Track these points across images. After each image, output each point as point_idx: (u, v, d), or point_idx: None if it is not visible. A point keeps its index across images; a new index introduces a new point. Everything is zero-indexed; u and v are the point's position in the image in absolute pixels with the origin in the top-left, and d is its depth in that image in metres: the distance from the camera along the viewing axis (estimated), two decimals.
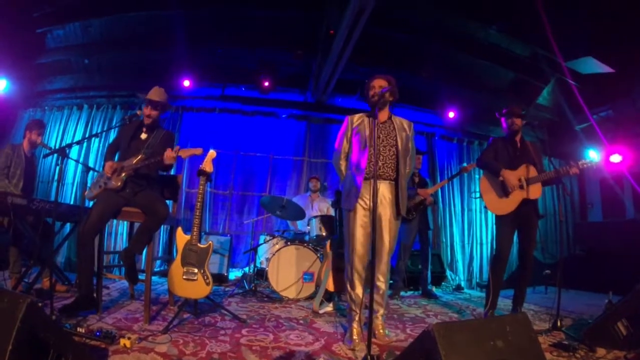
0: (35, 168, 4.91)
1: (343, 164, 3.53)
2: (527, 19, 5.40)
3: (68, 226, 5.07)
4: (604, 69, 5.98)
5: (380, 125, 3.38)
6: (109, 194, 3.59)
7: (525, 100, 6.93)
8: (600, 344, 3.10)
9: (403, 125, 3.48)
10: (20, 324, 1.81)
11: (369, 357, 2.37)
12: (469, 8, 5.63)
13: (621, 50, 5.53)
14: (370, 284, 2.79)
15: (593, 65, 5.99)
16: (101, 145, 6.80)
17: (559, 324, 3.51)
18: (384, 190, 3.32)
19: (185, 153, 3.55)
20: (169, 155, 3.49)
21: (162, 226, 5.14)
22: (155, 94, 3.84)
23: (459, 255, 7.56)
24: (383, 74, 3.43)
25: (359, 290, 3.32)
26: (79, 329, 2.81)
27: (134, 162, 3.64)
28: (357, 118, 3.51)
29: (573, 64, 6.04)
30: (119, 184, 3.59)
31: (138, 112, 3.95)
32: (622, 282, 4.68)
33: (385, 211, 3.32)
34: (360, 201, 3.28)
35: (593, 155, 6.89)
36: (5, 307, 1.91)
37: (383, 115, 3.44)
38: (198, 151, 3.57)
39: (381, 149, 3.31)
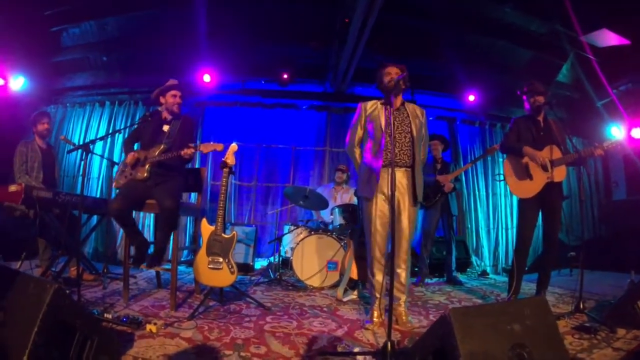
0: (53, 159, 5.04)
1: (357, 152, 3.56)
2: None
3: (95, 218, 5.19)
4: (620, 41, 5.76)
5: (395, 113, 3.36)
6: (135, 183, 3.72)
7: (544, 78, 6.70)
8: (621, 324, 3.06)
9: (416, 112, 3.46)
10: (46, 308, 1.88)
11: (389, 342, 2.35)
12: None
13: (636, 20, 5.31)
14: (390, 271, 2.78)
15: (609, 38, 5.79)
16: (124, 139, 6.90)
17: (581, 306, 3.45)
18: (401, 177, 3.33)
19: (207, 148, 3.64)
20: (186, 152, 3.60)
21: (187, 217, 5.24)
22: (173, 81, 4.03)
23: (484, 241, 7.47)
24: (395, 62, 3.42)
25: (379, 277, 3.36)
26: (106, 315, 2.89)
27: (156, 153, 3.75)
28: (370, 105, 3.50)
29: (589, 38, 5.85)
30: (145, 174, 3.72)
31: (160, 109, 4.03)
32: None
33: (403, 198, 3.33)
34: (377, 190, 3.29)
35: (615, 131, 6.69)
36: (32, 292, 1.98)
37: (396, 102, 3.42)
38: (219, 147, 3.64)
39: (397, 136, 3.30)
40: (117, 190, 3.78)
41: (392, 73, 3.36)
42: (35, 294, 1.96)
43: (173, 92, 4.00)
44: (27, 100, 6.20)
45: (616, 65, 6.14)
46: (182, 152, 3.61)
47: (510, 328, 1.89)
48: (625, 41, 5.71)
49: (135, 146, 4.06)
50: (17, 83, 6.00)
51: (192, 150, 3.62)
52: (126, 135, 4.24)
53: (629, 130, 6.36)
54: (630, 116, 6.49)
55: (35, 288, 2.00)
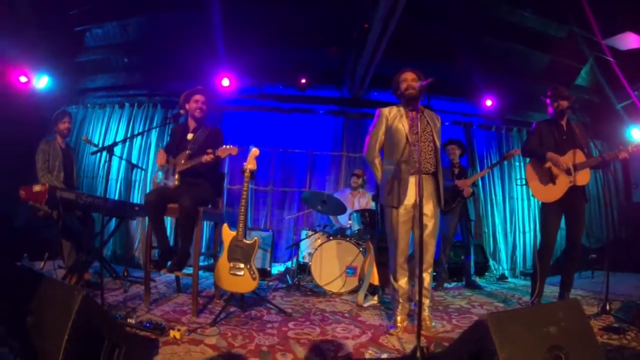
0: (73, 159, 5.08)
1: (378, 160, 3.51)
2: None
3: (113, 221, 5.21)
4: None
5: (415, 121, 3.31)
6: (168, 189, 3.83)
7: (563, 82, 6.63)
8: None
9: (434, 119, 3.47)
10: (75, 316, 1.87)
11: (418, 348, 2.32)
12: None
13: None
14: (415, 276, 2.76)
15: (631, 41, 5.71)
16: (143, 143, 6.97)
17: (608, 307, 3.44)
18: (426, 184, 3.31)
19: (224, 153, 3.66)
20: (205, 158, 3.64)
21: (205, 222, 5.23)
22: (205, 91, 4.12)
23: (501, 245, 7.38)
24: (410, 68, 3.42)
25: (402, 282, 3.38)
26: (129, 320, 2.89)
27: (183, 161, 3.82)
28: (390, 111, 3.47)
29: (611, 41, 5.77)
30: (176, 183, 3.82)
31: (181, 112, 4.08)
32: None
33: (429, 205, 3.33)
34: (399, 197, 3.30)
35: (636, 133, 6.64)
36: (61, 298, 1.98)
37: (416, 107, 3.38)
38: (234, 150, 3.67)
39: (421, 144, 3.22)
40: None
41: (408, 79, 3.37)
42: (64, 300, 1.96)
43: (196, 97, 4.07)
44: (50, 100, 6.23)
45: (636, 67, 6.04)
46: (203, 159, 3.65)
47: (546, 330, 1.90)
48: None
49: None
50: (42, 82, 6.08)
51: (211, 156, 3.64)
52: (146, 138, 4.29)
53: None
54: None
55: (64, 294, 2.00)
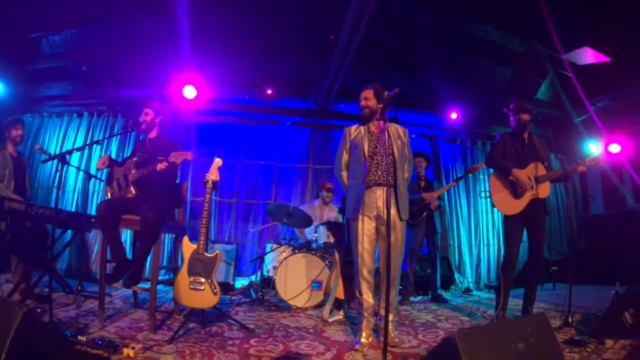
0: (24, 167, 4.86)
1: (345, 174, 3.63)
2: (523, 13, 5.35)
3: (69, 233, 4.97)
4: (599, 58, 5.88)
5: (376, 136, 3.44)
6: (125, 198, 3.73)
7: (525, 96, 6.78)
8: (609, 335, 3.15)
9: (398, 133, 3.55)
10: (15, 334, 1.73)
11: None
12: (464, 7, 5.54)
13: (615, 37, 5.42)
14: (379, 290, 2.73)
15: (590, 56, 5.89)
16: (102, 152, 6.69)
17: (570, 320, 3.50)
18: (384, 197, 3.29)
19: (177, 158, 3.55)
20: (160, 166, 3.55)
21: (166, 235, 5.07)
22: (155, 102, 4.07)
23: (466, 258, 7.45)
24: (370, 84, 3.51)
25: (367, 296, 3.34)
26: (79, 337, 2.74)
27: (133, 171, 3.72)
28: (353, 130, 3.61)
29: (571, 56, 5.94)
30: (133, 192, 3.71)
31: (140, 119, 4.01)
32: (629, 273, 4.62)
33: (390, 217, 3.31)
34: (362, 210, 3.36)
35: (593, 147, 6.87)
36: None
37: (377, 125, 3.47)
38: (188, 155, 3.57)
39: (379, 158, 3.38)
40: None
41: (362, 99, 3.51)
42: (3, 316, 1.81)
43: (145, 109, 4.03)
44: (3, 108, 5.97)
45: (594, 82, 6.22)
46: (157, 167, 3.55)
47: (514, 347, 1.88)
48: (605, 58, 5.81)
49: None
50: None
51: (165, 163, 3.53)
52: (106, 148, 4.16)
53: (607, 145, 6.47)
54: (608, 132, 6.60)
55: (3, 310, 1.85)
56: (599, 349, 2.99)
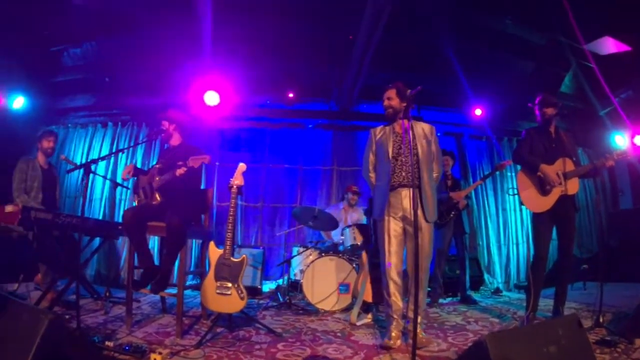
0: (55, 179, 4.95)
1: (372, 176, 3.61)
2: (541, 5, 5.23)
3: (97, 240, 5.04)
4: (621, 48, 5.68)
5: (400, 136, 3.41)
6: (150, 204, 3.75)
7: (548, 89, 6.60)
8: (638, 334, 3.05)
9: (424, 132, 3.50)
10: (40, 341, 1.73)
11: None
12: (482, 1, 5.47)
13: (636, 26, 5.22)
14: (408, 293, 2.68)
15: (611, 45, 5.70)
16: (128, 161, 6.81)
17: (601, 319, 3.40)
18: (410, 197, 3.30)
19: (196, 163, 3.53)
20: (179, 171, 3.54)
21: (193, 240, 5.11)
22: (170, 112, 4.13)
23: (495, 257, 7.28)
24: (392, 83, 3.49)
25: (396, 298, 3.31)
26: (107, 343, 2.75)
27: (157, 178, 3.75)
28: (378, 131, 3.61)
29: (591, 46, 5.75)
30: (158, 200, 3.75)
31: (163, 127, 4.06)
32: None
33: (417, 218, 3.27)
34: (388, 211, 3.35)
35: (620, 140, 6.63)
36: (26, 321, 1.84)
37: (401, 125, 3.43)
38: (206, 159, 3.55)
39: (403, 159, 3.35)
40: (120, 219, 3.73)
41: (384, 99, 3.49)
42: (30, 324, 1.82)
43: (162, 121, 4.10)
44: (28, 120, 6.12)
45: (618, 73, 6.04)
46: (177, 172, 3.55)
47: (546, 350, 1.83)
48: (626, 48, 5.63)
49: None
50: (17, 102, 5.95)
51: (185, 168, 3.52)
52: (131, 156, 4.24)
53: (632, 137, 6.28)
54: (633, 123, 6.40)
55: (30, 318, 1.87)
56: (629, 348, 2.92)
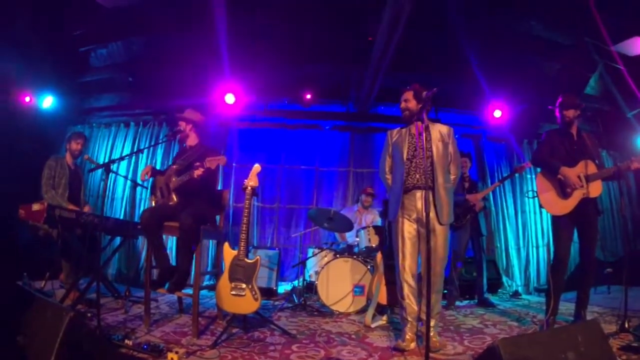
0: (80, 178, 5.03)
1: (389, 177, 3.60)
2: (568, 6, 5.16)
3: (118, 239, 5.13)
4: None
5: (418, 138, 3.36)
6: (167, 205, 3.82)
7: (573, 91, 6.51)
8: None
9: (441, 134, 3.45)
10: (63, 336, 1.80)
11: None
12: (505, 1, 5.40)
13: None
14: (423, 295, 2.67)
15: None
16: (148, 161, 6.91)
17: (626, 325, 3.31)
18: (423, 199, 3.25)
19: (212, 164, 3.56)
20: (196, 172, 3.58)
21: (209, 241, 5.16)
22: (187, 112, 4.15)
23: (514, 260, 7.20)
24: (411, 85, 3.45)
25: (410, 300, 3.29)
26: (126, 342, 2.80)
27: (173, 179, 3.81)
28: (395, 133, 3.61)
29: (620, 47, 5.65)
30: (175, 200, 3.80)
31: (180, 128, 4.12)
32: None
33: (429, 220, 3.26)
34: (402, 213, 3.35)
35: None
36: (50, 318, 1.91)
37: (416, 127, 3.36)
38: (222, 160, 3.60)
39: (418, 161, 3.32)
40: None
41: (402, 100, 3.48)
42: (53, 320, 1.90)
43: (179, 122, 4.16)
44: (55, 120, 6.29)
45: None
46: (195, 174, 3.58)
47: (564, 357, 1.77)
48: None
49: None
50: (47, 102, 6.12)
51: (202, 169, 3.56)
52: (151, 156, 4.30)
53: None
54: None
55: (53, 314, 1.94)
56: None
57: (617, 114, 7.05)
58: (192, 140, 4.16)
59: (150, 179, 4.24)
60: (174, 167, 3.88)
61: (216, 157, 3.56)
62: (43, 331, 1.93)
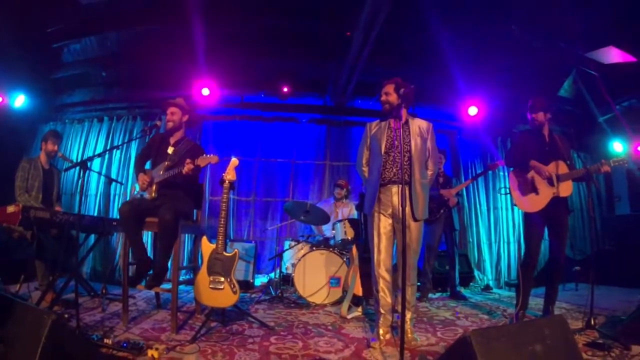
0: (54, 179, 4.94)
1: (366, 170, 3.62)
2: (546, 11, 5.26)
3: (92, 237, 5.09)
4: (625, 58, 5.74)
5: (396, 131, 3.38)
6: (145, 200, 3.77)
7: (546, 93, 6.70)
8: (635, 341, 3.03)
9: (420, 129, 3.49)
10: (45, 341, 1.81)
11: None
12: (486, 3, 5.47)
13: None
14: (399, 287, 2.73)
15: (615, 55, 5.76)
16: (122, 156, 6.84)
17: (592, 322, 3.40)
18: (399, 194, 3.27)
19: (203, 162, 3.58)
20: (186, 169, 3.54)
21: (185, 235, 5.12)
22: (179, 100, 4.05)
23: (486, 255, 7.38)
24: (392, 78, 3.47)
25: (384, 294, 3.34)
26: (105, 341, 2.81)
27: (161, 172, 3.75)
28: (374, 125, 3.61)
29: (595, 54, 5.83)
30: (153, 194, 3.75)
31: (158, 123, 4.04)
32: None
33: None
34: (378, 207, 3.38)
35: (618, 146, 6.70)
36: (31, 323, 1.90)
37: (396, 122, 3.43)
38: (214, 159, 3.61)
39: (396, 155, 3.34)
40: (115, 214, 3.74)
41: (382, 94, 3.48)
42: (34, 325, 1.89)
43: (170, 109, 4.00)
44: (27, 118, 6.17)
45: (619, 81, 6.12)
46: (184, 170, 3.55)
47: (531, 349, 1.86)
48: (630, 58, 5.68)
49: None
50: (19, 101, 5.98)
51: (192, 166, 3.55)
52: (126, 151, 4.20)
53: (636, 146, 6.34)
54: (634, 133, 6.45)
55: (33, 319, 1.93)
56: (624, 354, 2.90)
57: (589, 117, 7.24)
58: (180, 133, 4.07)
59: (130, 173, 4.16)
60: (166, 163, 3.78)
61: (208, 156, 3.57)
62: (24, 337, 1.91)
